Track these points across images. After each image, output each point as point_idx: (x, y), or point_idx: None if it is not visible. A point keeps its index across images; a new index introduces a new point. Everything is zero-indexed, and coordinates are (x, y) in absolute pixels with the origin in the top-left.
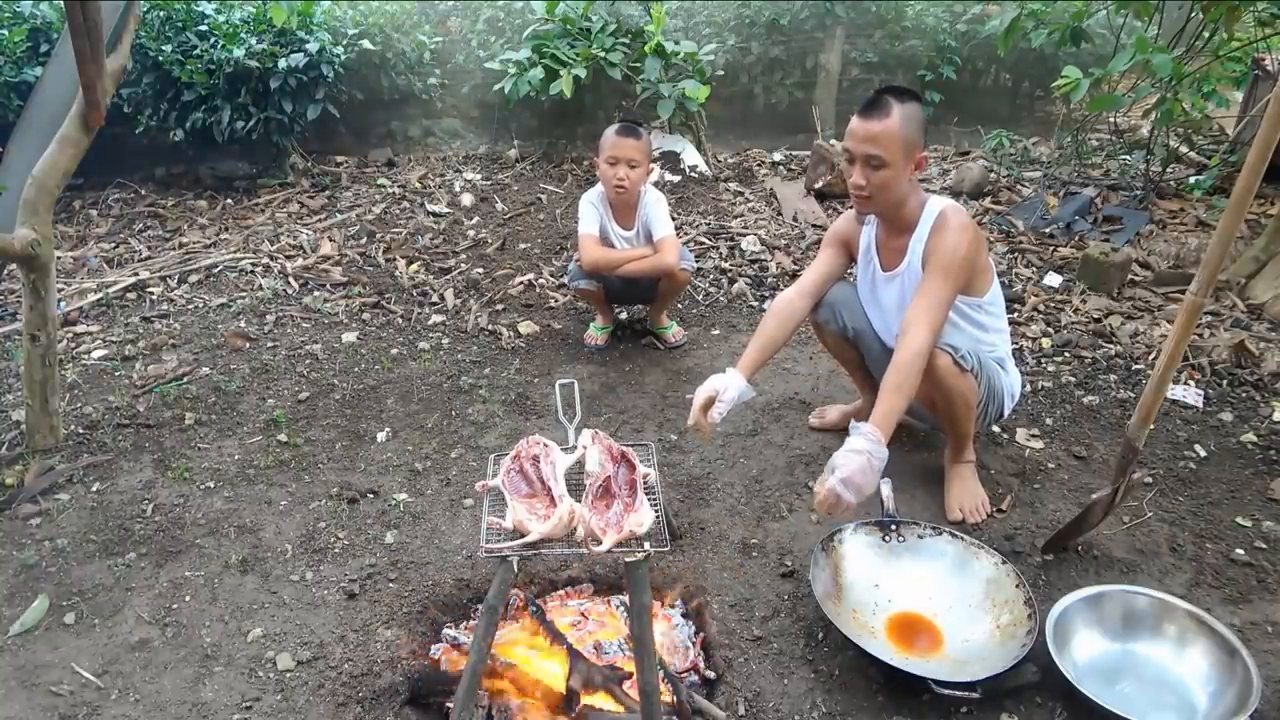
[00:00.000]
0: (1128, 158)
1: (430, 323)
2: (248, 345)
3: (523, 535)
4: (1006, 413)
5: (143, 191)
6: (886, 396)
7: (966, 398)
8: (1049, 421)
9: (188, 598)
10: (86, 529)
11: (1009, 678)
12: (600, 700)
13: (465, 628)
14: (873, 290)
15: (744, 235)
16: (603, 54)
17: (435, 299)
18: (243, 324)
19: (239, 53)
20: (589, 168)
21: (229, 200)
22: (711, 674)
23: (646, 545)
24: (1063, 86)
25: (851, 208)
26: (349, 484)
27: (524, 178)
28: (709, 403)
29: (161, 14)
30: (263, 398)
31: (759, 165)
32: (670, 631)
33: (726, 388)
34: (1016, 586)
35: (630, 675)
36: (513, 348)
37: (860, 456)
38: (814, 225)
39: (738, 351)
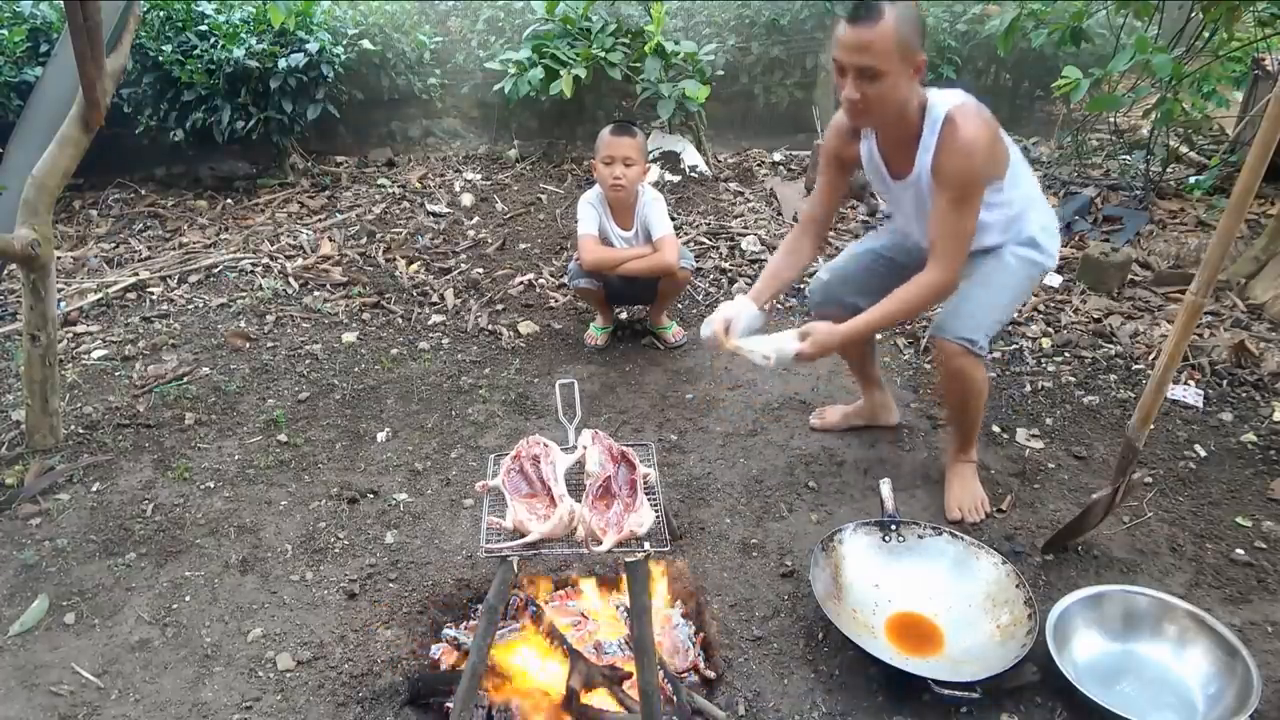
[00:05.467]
0: (1128, 158)
1: (430, 323)
2: (248, 345)
3: (523, 535)
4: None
5: (143, 191)
6: (874, 311)
7: (979, 389)
8: (1049, 421)
9: (188, 598)
10: (86, 529)
11: (1009, 678)
12: (600, 700)
13: (465, 628)
14: (886, 189)
15: (744, 235)
16: (603, 54)
17: (435, 299)
18: (243, 324)
19: (239, 53)
20: (589, 168)
21: (229, 200)
22: (711, 674)
23: (646, 545)
24: (1063, 86)
25: (838, 118)
26: (349, 484)
27: (524, 178)
28: (726, 324)
29: (161, 14)
30: (263, 398)
31: (759, 165)
32: (670, 631)
33: (738, 315)
34: (1016, 586)
35: (630, 675)
36: (513, 348)
37: (778, 342)
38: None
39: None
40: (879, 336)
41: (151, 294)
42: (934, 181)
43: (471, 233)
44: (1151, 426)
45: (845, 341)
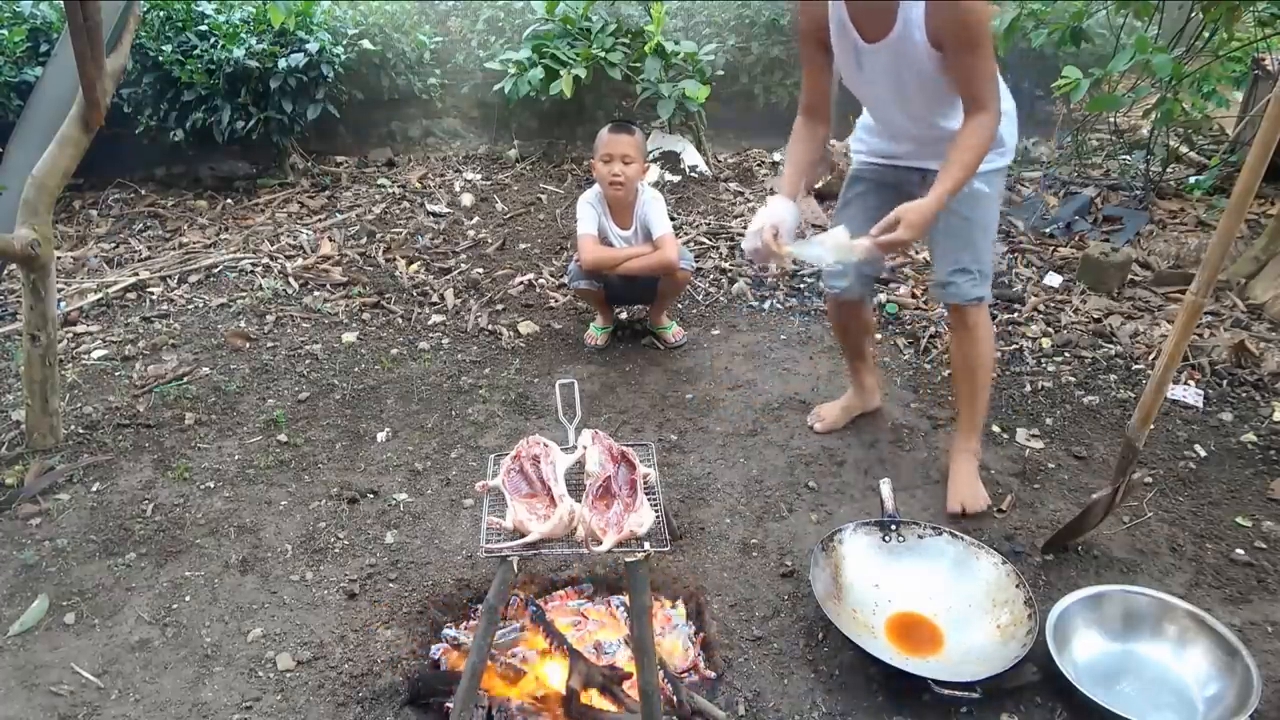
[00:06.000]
0: (1128, 158)
1: (430, 323)
2: (248, 345)
3: (523, 535)
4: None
5: (143, 191)
6: (950, 173)
7: (988, 362)
8: (1049, 421)
9: (188, 598)
10: (86, 529)
11: (1009, 678)
12: (600, 700)
13: (465, 628)
14: (858, 64)
15: (744, 235)
16: (603, 54)
17: (435, 299)
18: (243, 324)
19: (239, 53)
20: (588, 168)
21: (229, 200)
22: (711, 674)
23: (646, 545)
24: (1063, 86)
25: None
26: (349, 484)
27: (524, 178)
28: (775, 230)
29: (161, 14)
30: (263, 398)
31: (759, 165)
32: (670, 631)
33: (783, 218)
34: (1016, 586)
35: (630, 675)
36: (513, 348)
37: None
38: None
39: (738, 351)
40: (878, 336)
41: (151, 294)
42: (945, 37)
43: (471, 233)
44: (1151, 426)
45: (935, 212)
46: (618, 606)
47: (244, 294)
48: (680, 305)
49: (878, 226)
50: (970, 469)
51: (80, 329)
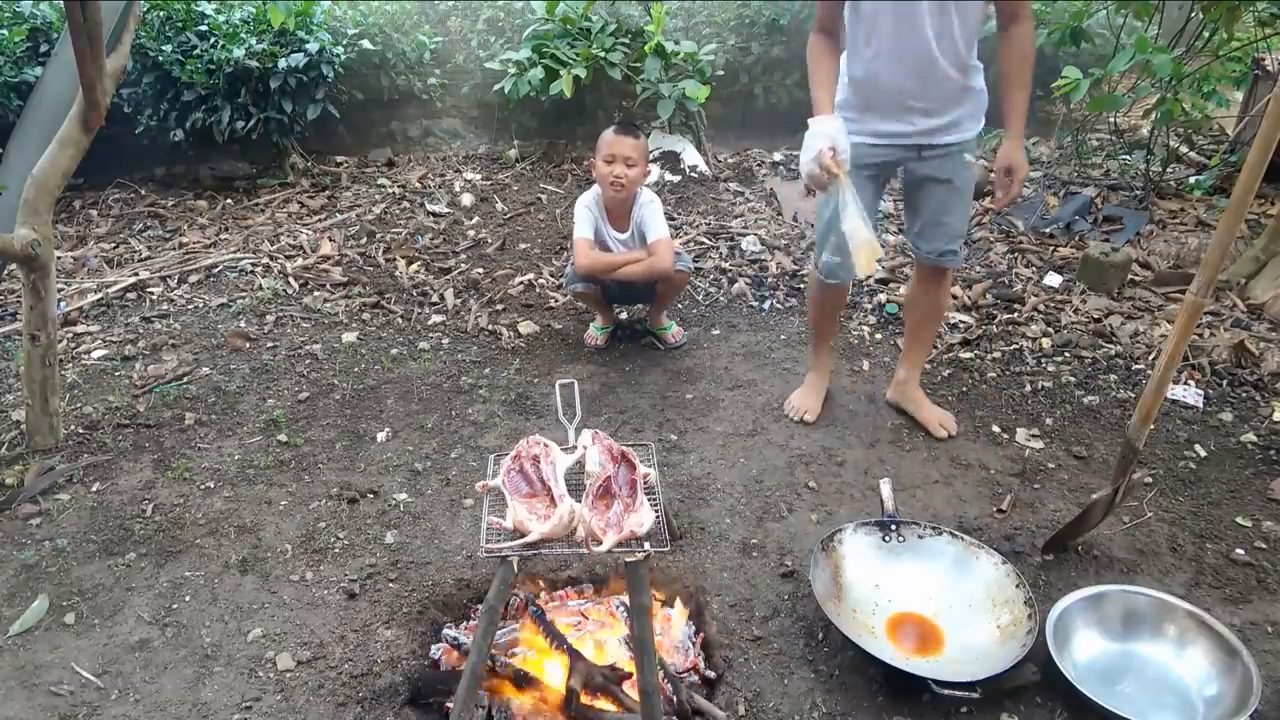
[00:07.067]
0: (1128, 158)
1: (430, 323)
2: (248, 345)
3: (523, 535)
4: None
5: (143, 191)
6: (1018, 99)
7: (948, 300)
8: (1049, 421)
9: (188, 598)
10: (86, 529)
11: (1009, 678)
12: (600, 700)
13: (465, 628)
14: None
15: (744, 235)
16: (603, 54)
17: (435, 299)
18: (243, 324)
19: (239, 53)
20: (588, 168)
21: (229, 200)
22: (711, 674)
23: (646, 545)
24: (1063, 86)
25: None
26: (349, 484)
27: (524, 178)
28: (833, 150)
29: (161, 14)
30: (263, 398)
31: (759, 165)
32: (670, 631)
33: (835, 135)
34: (1016, 586)
35: (630, 675)
36: (513, 348)
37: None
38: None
39: (738, 351)
40: (878, 336)
41: (151, 294)
42: None
43: (471, 233)
44: (1151, 426)
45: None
46: (617, 606)
47: (244, 294)
48: (680, 305)
49: (1001, 190)
50: (926, 398)
51: (80, 329)
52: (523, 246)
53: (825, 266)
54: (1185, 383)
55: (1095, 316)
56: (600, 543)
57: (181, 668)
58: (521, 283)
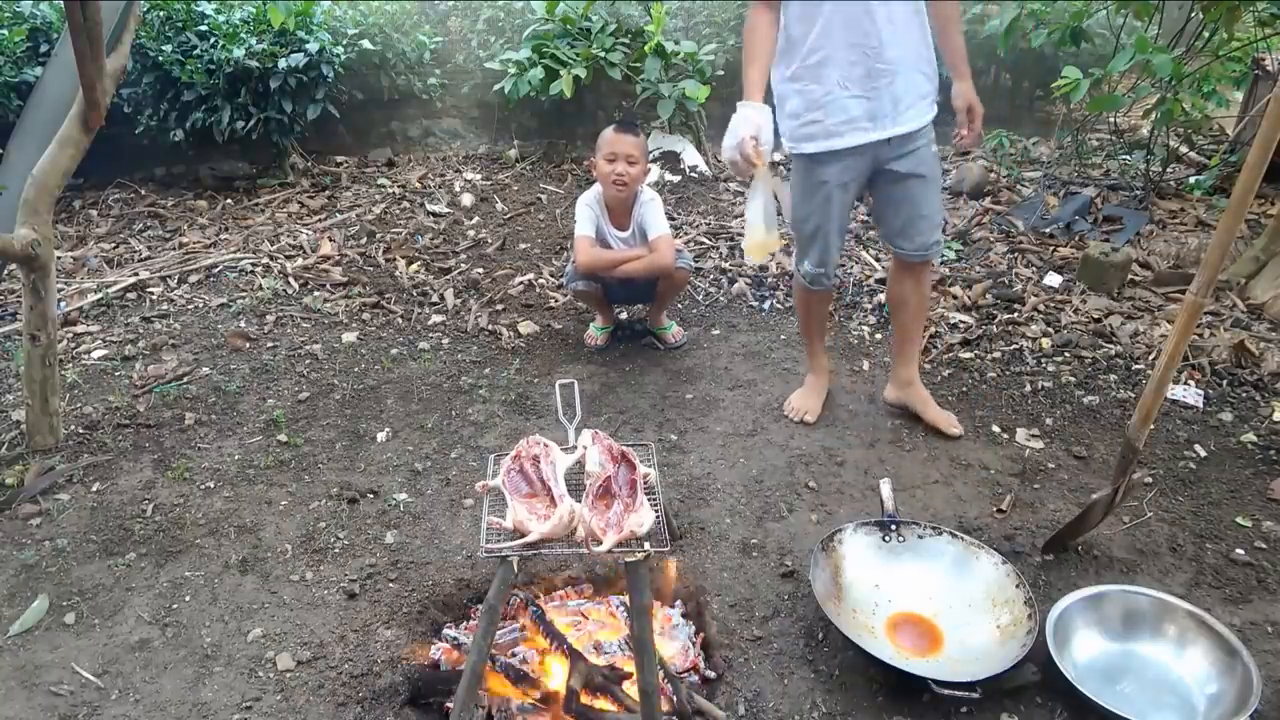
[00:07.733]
0: (1128, 158)
1: (430, 323)
2: (248, 345)
3: (523, 535)
4: None
5: (143, 191)
6: (961, 49)
7: (927, 305)
8: (1049, 421)
9: (188, 598)
10: (86, 529)
11: (1009, 678)
12: (600, 700)
13: (465, 628)
14: None
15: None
16: (603, 54)
17: (435, 299)
18: (243, 324)
19: (239, 53)
20: (589, 168)
21: (229, 200)
22: (711, 674)
23: (646, 545)
24: (1063, 86)
25: None
26: (349, 484)
27: (524, 178)
28: (756, 139)
29: (161, 14)
30: (263, 398)
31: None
32: (670, 631)
33: (761, 124)
34: (1016, 586)
35: (630, 675)
36: (513, 348)
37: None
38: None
39: (738, 351)
40: (878, 336)
41: (151, 294)
42: None
43: (471, 233)
44: (1151, 426)
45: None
46: (618, 606)
47: (244, 294)
48: (680, 305)
49: (967, 129)
50: (929, 395)
51: (80, 329)
52: (523, 246)
53: (808, 274)
54: (1185, 383)
55: (1095, 316)
56: (600, 543)
57: (181, 668)
58: (521, 283)
